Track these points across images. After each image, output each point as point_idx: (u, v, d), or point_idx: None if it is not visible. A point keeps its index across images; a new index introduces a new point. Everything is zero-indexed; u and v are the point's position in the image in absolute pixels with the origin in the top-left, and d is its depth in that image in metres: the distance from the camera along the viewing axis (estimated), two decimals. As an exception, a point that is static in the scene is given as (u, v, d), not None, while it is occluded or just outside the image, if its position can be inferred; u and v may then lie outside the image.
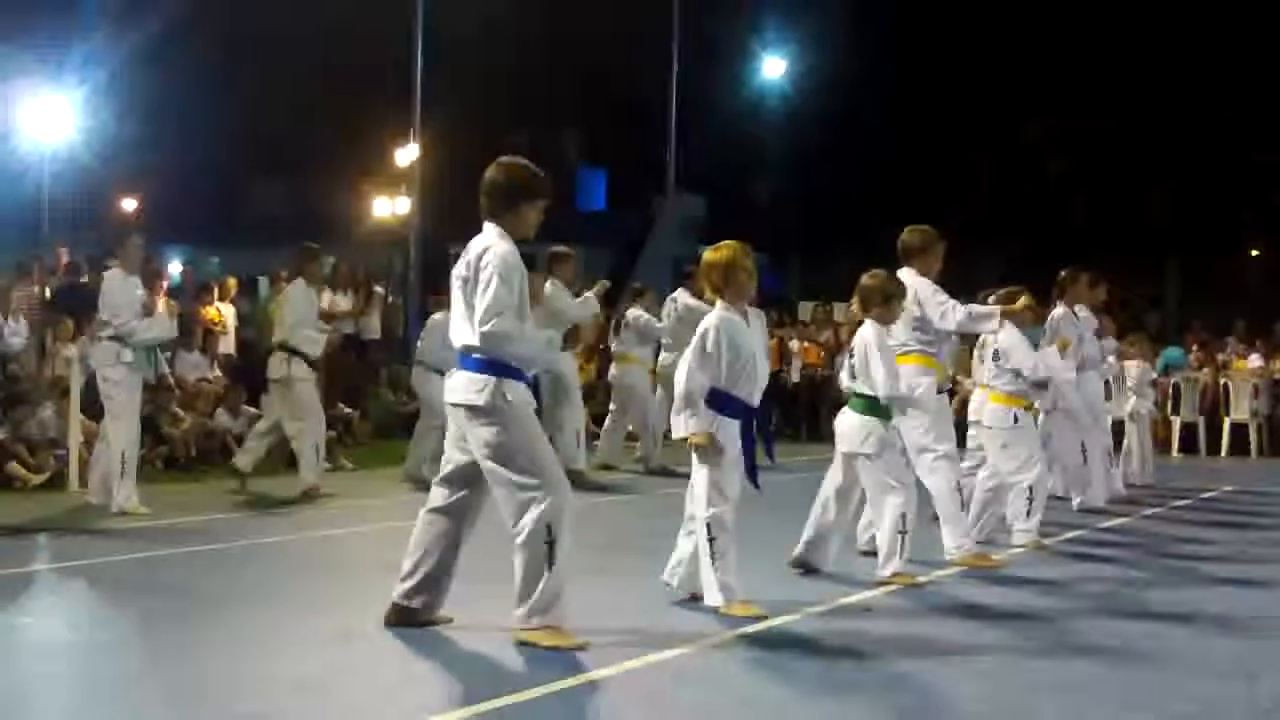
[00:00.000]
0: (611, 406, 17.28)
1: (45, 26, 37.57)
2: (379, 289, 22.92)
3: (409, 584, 7.32)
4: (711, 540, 7.82)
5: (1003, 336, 10.77)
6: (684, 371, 7.94)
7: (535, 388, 7.25)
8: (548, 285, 14.70)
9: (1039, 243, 35.71)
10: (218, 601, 8.37)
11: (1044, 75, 40.14)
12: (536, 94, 40.93)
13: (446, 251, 34.82)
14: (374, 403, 19.64)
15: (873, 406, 9.01)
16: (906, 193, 39.95)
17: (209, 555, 10.21)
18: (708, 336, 7.89)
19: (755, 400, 8.01)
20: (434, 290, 18.97)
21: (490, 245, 7.03)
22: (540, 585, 6.86)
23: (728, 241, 8.16)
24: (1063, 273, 13.76)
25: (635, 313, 16.76)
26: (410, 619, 7.31)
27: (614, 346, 17.14)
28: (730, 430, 7.89)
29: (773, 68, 41.67)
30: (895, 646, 7.25)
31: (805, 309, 27.93)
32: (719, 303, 8.07)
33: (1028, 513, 10.82)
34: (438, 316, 14.75)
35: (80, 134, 37.79)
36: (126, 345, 12.09)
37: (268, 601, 8.41)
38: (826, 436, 21.39)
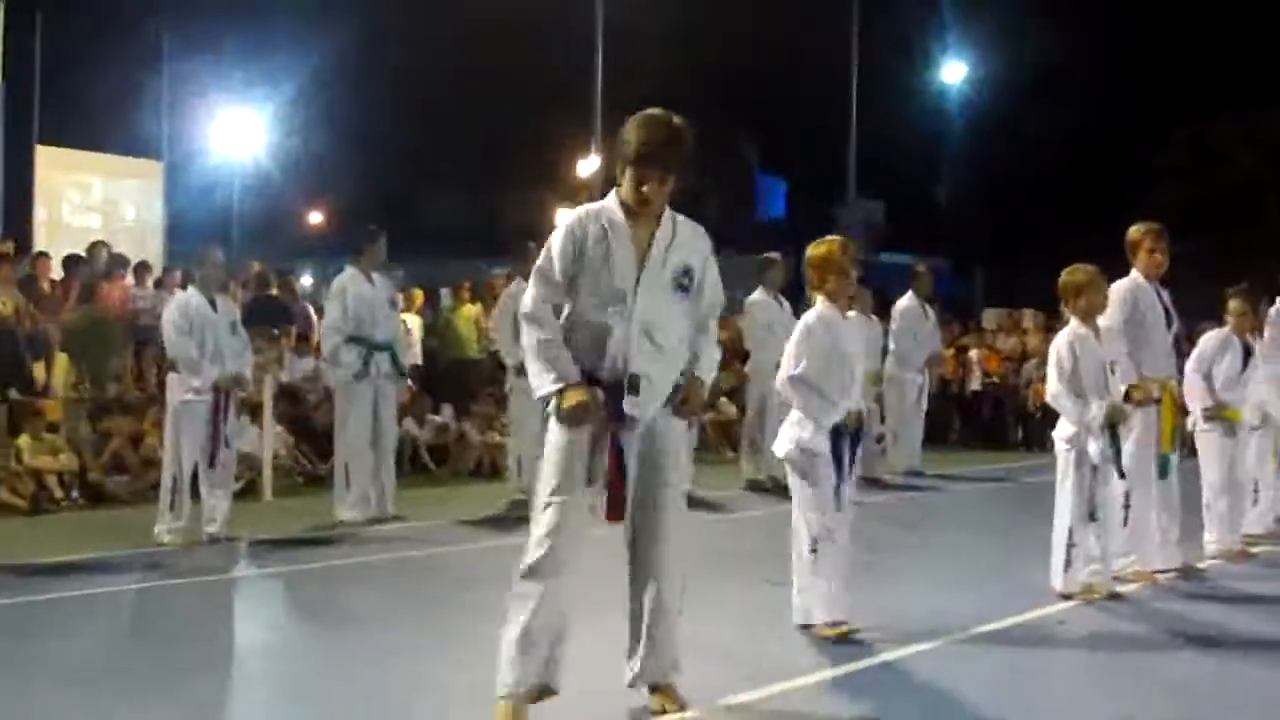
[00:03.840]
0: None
1: (238, 44, 38.65)
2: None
3: None
4: (812, 554, 7.52)
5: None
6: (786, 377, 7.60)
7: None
8: (756, 292, 14.90)
9: (1232, 241, 34.58)
10: (402, 608, 8.51)
11: (1231, 71, 39.05)
12: (714, 100, 40.93)
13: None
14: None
15: None
16: (1091, 196, 39.23)
17: (396, 564, 10.33)
18: (808, 334, 7.62)
19: (848, 403, 7.59)
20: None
21: None
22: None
23: (830, 237, 7.87)
24: None
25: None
26: None
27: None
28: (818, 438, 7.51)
29: (952, 72, 41.23)
30: (1082, 660, 7.12)
31: (989, 316, 27.56)
32: (818, 300, 7.73)
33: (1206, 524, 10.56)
34: None
35: (269, 149, 38.81)
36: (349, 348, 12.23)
37: (454, 609, 8.48)
38: (1012, 445, 21.35)
